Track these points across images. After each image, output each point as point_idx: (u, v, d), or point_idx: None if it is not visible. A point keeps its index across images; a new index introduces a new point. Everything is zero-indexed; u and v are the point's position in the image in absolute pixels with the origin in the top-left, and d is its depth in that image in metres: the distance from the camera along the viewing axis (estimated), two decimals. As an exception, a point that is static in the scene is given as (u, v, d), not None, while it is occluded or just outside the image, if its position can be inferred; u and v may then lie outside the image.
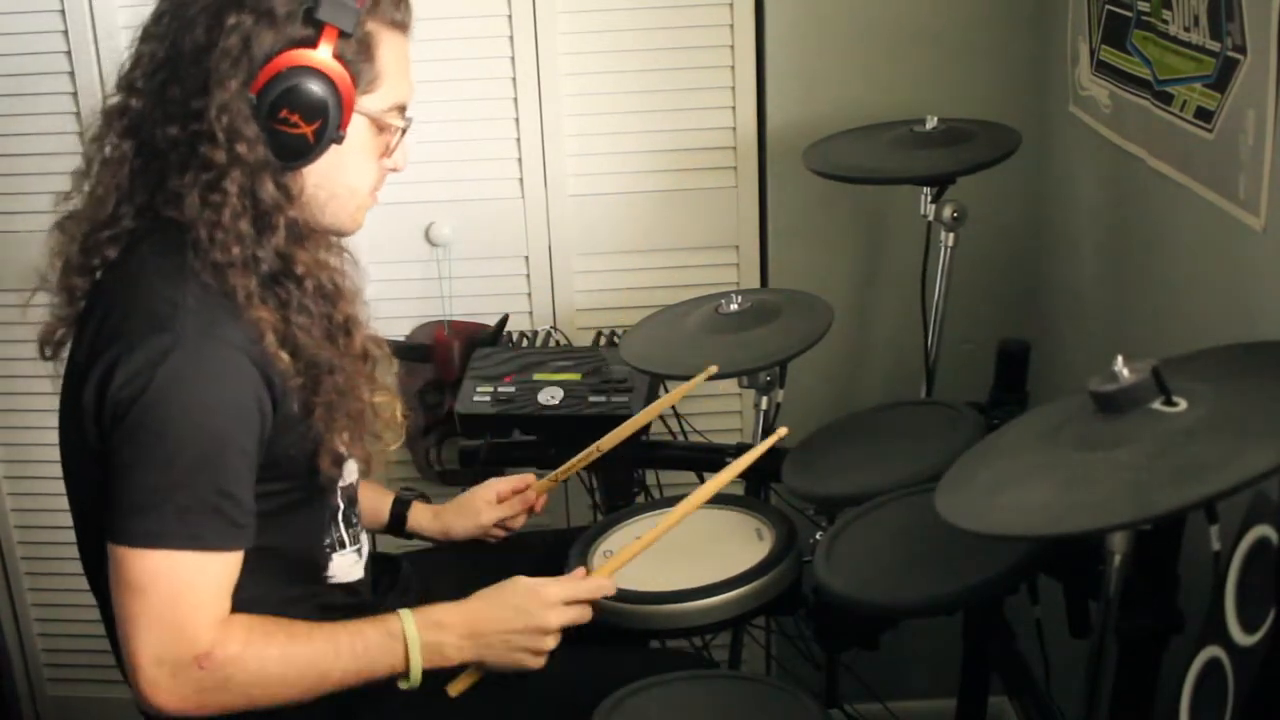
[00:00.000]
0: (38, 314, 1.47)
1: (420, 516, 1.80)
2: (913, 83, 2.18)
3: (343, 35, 1.36)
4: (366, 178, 1.46)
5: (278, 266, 1.37)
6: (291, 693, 1.36)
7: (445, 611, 1.44)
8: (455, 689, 1.44)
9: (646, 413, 1.84)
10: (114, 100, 1.42)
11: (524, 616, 1.44)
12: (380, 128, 1.44)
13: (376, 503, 1.79)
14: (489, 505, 1.79)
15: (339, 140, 1.39)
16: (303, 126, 1.35)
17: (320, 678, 1.37)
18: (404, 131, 1.47)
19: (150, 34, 1.39)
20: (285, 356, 1.36)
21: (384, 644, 1.40)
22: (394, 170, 1.49)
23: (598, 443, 1.80)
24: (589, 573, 1.53)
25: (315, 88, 1.35)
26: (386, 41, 1.41)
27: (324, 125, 1.36)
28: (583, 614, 1.48)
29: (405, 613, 1.42)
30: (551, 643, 1.46)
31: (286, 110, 1.34)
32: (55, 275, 1.45)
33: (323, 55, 1.35)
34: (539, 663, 1.46)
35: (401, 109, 1.46)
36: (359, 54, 1.39)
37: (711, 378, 1.73)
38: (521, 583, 1.47)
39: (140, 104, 1.38)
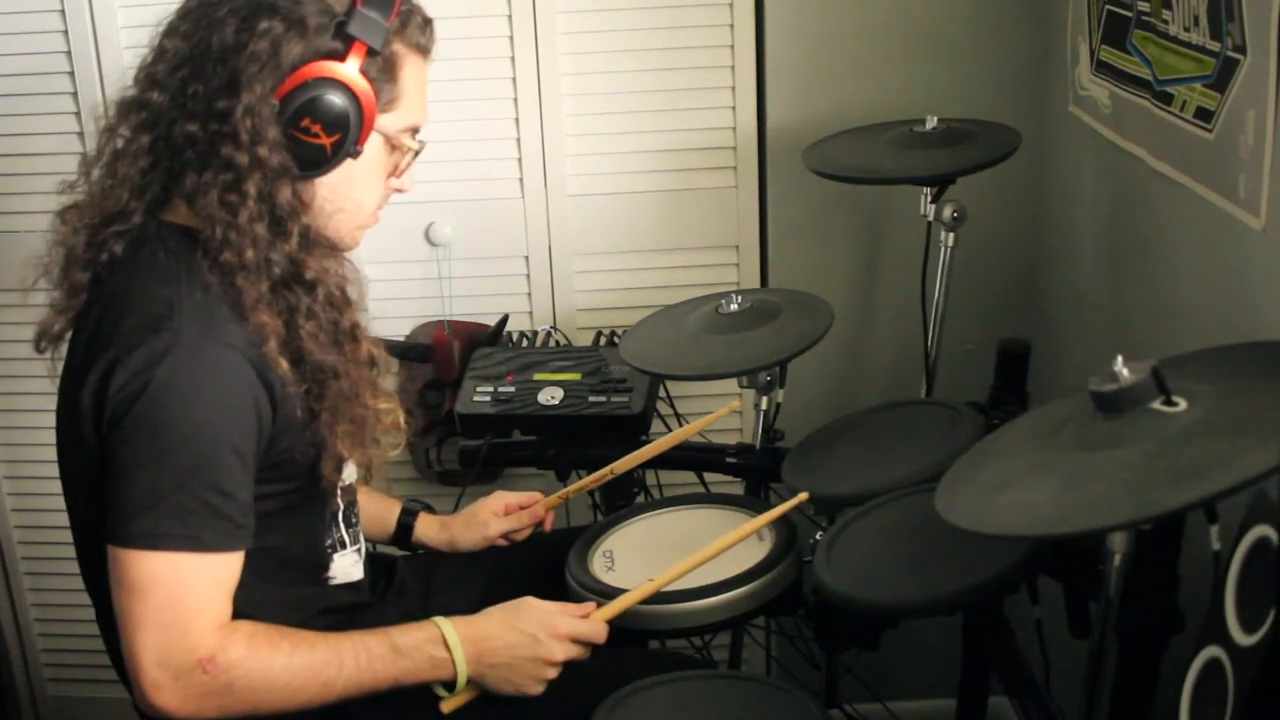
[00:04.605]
0: (39, 313, 1.46)
1: (427, 527, 1.80)
2: (913, 83, 2.18)
3: (370, 52, 1.36)
4: (373, 195, 1.47)
5: (289, 271, 1.37)
6: (295, 700, 1.37)
7: (456, 627, 1.44)
8: (448, 706, 1.44)
9: (667, 439, 1.84)
10: (131, 93, 1.41)
11: (533, 645, 1.44)
12: (393, 147, 1.45)
13: (383, 513, 1.79)
14: (495, 517, 1.80)
15: (355, 155, 1.39)
16: (323, 137, 1.36)
17: (323, 687, 1.37)
18: (416, 154, 1.48)
19: (175, 30, 1.39)
20: (284, 362, 1.36)
21: (387, 656, 1.40)
22: (399, 191, 1.50)
23: (612, 465, 1.81)
24: (599, 605, 1.52)
25: (340, 100, 1.35)
26: (409, 63, 1.43)
27: (343, 138, 1.37)
28: (584, 654, 1.48)
29: (443, 621, 1.43)
30: (554, 674, 1.46)
31: (309, 119, 1.35)
32: (58, 267, 1.44)
33: (350, 70, 1.36)
34: (538, 690, 1.46)
35: (414, 131, 1.47)
36: (382, 72, 1.40)
37: (712, 378, 1.72)
38: (534, 609, 1.47)
39: (161, 98, 1.38)
